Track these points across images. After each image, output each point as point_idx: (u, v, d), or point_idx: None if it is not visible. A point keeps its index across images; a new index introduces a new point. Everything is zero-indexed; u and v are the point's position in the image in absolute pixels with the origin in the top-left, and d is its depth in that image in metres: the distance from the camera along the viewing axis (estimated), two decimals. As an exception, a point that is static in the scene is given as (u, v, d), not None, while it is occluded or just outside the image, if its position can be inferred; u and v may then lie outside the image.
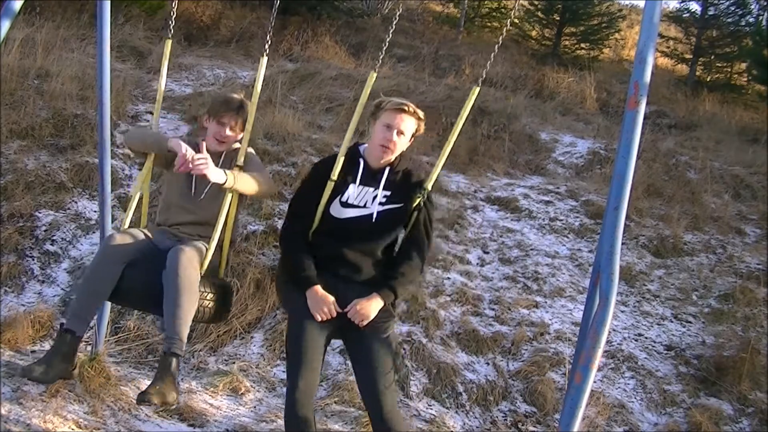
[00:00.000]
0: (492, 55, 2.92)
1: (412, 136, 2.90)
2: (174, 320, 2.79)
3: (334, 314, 2.69)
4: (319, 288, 2.73)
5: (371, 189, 2.84)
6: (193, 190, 3.12)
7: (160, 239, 3.07)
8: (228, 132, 3.12)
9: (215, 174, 2.83)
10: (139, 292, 2.93)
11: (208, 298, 2.94)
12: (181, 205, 3.12)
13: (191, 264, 2.83)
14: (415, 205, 2.85)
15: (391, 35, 3.10)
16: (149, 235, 3.08)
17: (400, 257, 2.85)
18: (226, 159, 3.13)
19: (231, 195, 2.97)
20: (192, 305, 2.83)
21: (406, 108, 2.83)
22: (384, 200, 2.83)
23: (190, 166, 2.82)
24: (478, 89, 2.91)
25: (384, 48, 3.06)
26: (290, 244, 2.88)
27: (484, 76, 2.96)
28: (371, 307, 2.70)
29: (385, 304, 2.74)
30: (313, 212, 2.84)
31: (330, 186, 2.84)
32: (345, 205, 2.82)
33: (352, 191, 2.83)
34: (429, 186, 2.88)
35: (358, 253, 2.80)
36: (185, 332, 2.82)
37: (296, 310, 2.76)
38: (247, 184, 2.94)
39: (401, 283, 2.78)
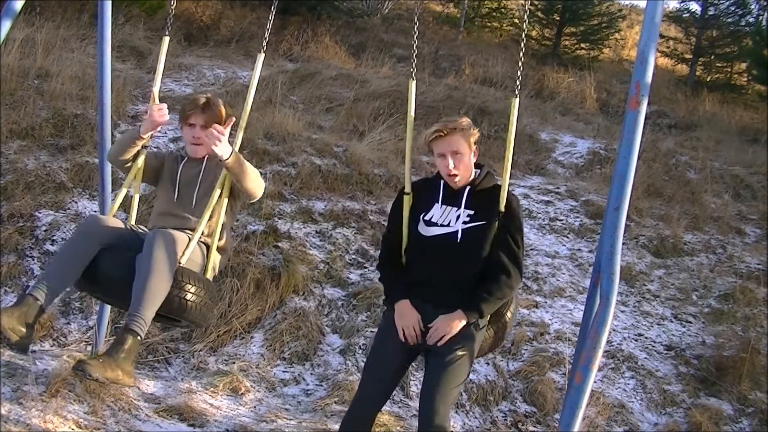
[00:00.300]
0: (520, 63, 2.88)
1: (469, 146, 2.80)
2: (139, 298, 2.66)
3: (418, 331, 2.68)
4: (407, 302, 2.72)
5: (454, 209, 2.79)
6: (182, 198, 3.04)
7: (143, 232, 3.00)
8: (199, 132, 3.01)
9: (223, 148, 2.75)
10: (110, 277, 2.80)
11: (191, 291, 2.80)
12: (171, 213, 3.04)
13: (169, 247, 2.73)
14: (497, 223, 2.76)
15: (415, 37, 3.01)
16: (134, 228, 3.01)
17: (487, 276, 2.75)
18: (209, 164, 3.04)
19: (219, 192, 2.90)
20: (161, 287, 2.69)
21: (443, 132, 2.75)
22: (467, 219, 2.76)
23: (155, 116, 2.85)
24: (516, 100, 2.86)
25: (414, 54, 3.01)
26: (383, 265, 2.91)
27: (519, 87, 2.91)
28: (453, 323, 2.66)
29: (467, 323, 2.69)
30: (400, 230, 2.83)
31: (407, 200, 2.83)
32: (429, 223, 2.78)
33: (436, 211, 2.80)
34: (502, 208, 2.76)
35: (447, 275, 2.74)
36: (149, 313, 2.68)
37: (383, 324, 2.82)
38: (243, 166, 2.85)
39: (486, 302, 2.69)
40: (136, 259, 2.72)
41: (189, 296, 2.79)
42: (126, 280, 2.71)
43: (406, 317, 2.70)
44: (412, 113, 2.94)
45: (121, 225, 2.92)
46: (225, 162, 2.79)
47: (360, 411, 2.74)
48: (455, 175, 2.77)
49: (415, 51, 3.02)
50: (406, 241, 2.83)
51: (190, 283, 2.80)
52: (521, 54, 2.92)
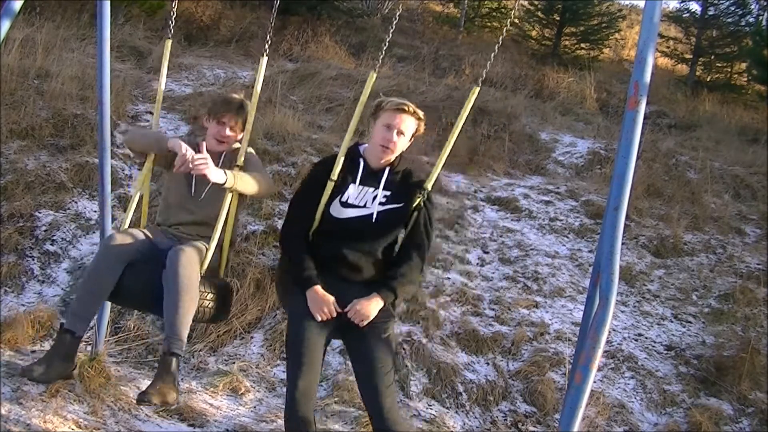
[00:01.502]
0: (492, 55, 2.91)
1: (412, 136, 2.89)
2: (174, 320, 2.79)
3: (334, 314, 2.69)
4: (319, 288, 2.73)
5: (371, 189, 2.83)
6: (192, 190, 3.12)
7: (160, 239, 3.07)
8: (228, 132, 3.12)
9: (215, 174, 2.83)
10: (138, 293, 2.93)
11: (208, 298, 2.94)
12: (181, 205, 3.12)
13: (191, 264, 2.83)
14: (415, 205, 2.85)
15: (391, 35, 3.09)
16: (149, 235, 3.08)
17: (400, 257, 2.84)
18: (225, 159, 3.12)
19: (231, 195, 2.97)
20: (192, 305, 2.82)
21: (406, 108, 2.83)
22: (384, 200, 2.83)
23: (190, 166, 2.82)
24: (477, 89, 2.91)
25: (384, 48, 3.06)
26: (290, 244, 2.88)
27: (484, 76, 2.96)
28: (371, 307, 2.70)
29: (384, 304, 2.74)
30: (313, 212, 2.84)
31: (330, 186, 2.84)
32: (345, 205, 2.82)
33: (353, 191, 2.83)
34: (429, 186, 2.87)
35: (358, 254, 2.80)
36: (185, 332, 2.82)
37: (296, 310, 2.76)
38: (247, 184, 2.94)
39: (401, 284, 2.78)
40: (163, 277, 2.82)
41: (206, 303, 2.94)
42: (151, 293, 2.85)
43: (321, 304, 2.70)
44: (365, 100, 2.98)
45: (139, 238, 3.01)
46: (223, 186, 2.87)
47: (304, 400, 2.61)
48: (390, 150, 2.82)
49: (385, 45, 3.11)
50: (317, 223, 2.84)
51: (206, 290, 2.93)
52: (500, 41, 2.97)
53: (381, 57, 3.06)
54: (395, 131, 2.82)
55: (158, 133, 3.32)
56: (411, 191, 2.85)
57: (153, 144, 3.08)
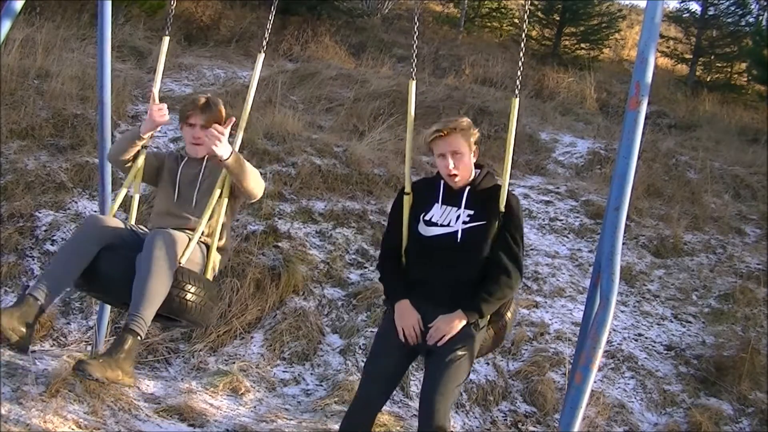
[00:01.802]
0: (520, 63, 2.88)
1: (470, 146, 2.80)
2: (139, 299, 2.66)
3: (418, 330, 2.68)
4: (407, 302, 2.72)
5: (454, 209, 2.78)
6: (182, 197, 3.05)
7: (144, 232, 3.00)
8: (199, 132, 3.01)
9: (223, 148, 2.75)
10: (110, 277, 2.81)
11: (191, 291, 2.81)
12: (171, 213, 3.05)
13: (168, 248, 2.73)
14: (497, 223, 2.76)
15: (415, 38, 3.02)
16: (134, 228, 3.02)
17: (487, 276, 2.75)
18: (209, 164, 3.04)
19: (219, 191, 2.91)
20: (161, 287, 2.69)
21: (442, 133, 2.75)
22: (467, 219, 2.76)
23: (155, 115, 2.84)
24: (516, 100, 2.85)
25: (414, 54, 3.03)
26: (383, 264, 2.91)
27: (519, 87, 2.90)
28: (453, 324, 2.66)
29: (468, 322, 2.69)
30: (399, 231, 2.84)
31: (407, 200, 2.83)
32: (429, 223, 2.78)
33: (436, 210, 2.80)
34: (502, 208, 2.76)
35: (447, 275, 2.74)
36: (149, 313, 2.68)
37: (383, 324, 2.83)
38: (243, 166, 2.86)
39: (486, 302, 2.69)
40: (136, 259, 2.72)
41: (189, 296, 2.80)
42: (126, 279, 2.72)
43: (406, 317, 2.70)
44: (413, 113, 2.94)
45: (121, 225, 2.93)
46: (225, 162, 2.79)
47: (360, 411, 2.74)
48: (455, 175, 2.77)
49: (415, 51, 3.02)
50: (406, 241, 2.83)
51: (190, 283, 2.81)
52: (521, 54, 2.92)
53: (414, 63, 2.96)
54: (449, 157, 2.76)
55: (129, 130, 3.25)
56: (493, 209, 2.77)
57: (129, 138, 3.01)
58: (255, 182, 2.95)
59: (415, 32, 3.05)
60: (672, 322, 5.08)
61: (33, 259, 4.66)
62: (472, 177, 2.83)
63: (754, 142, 9.07)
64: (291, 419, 3.69)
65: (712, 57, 12.99)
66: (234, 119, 2.96)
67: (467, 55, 10.90)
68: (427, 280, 2.74)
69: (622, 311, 5.09)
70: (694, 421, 4.13)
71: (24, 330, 2.65)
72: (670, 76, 12.95)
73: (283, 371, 4.22)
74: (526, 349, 4.57)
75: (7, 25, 3.01)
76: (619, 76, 11.80)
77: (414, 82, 2.94)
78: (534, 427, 4.03)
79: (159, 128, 3.00)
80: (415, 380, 4.16)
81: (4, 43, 3.25)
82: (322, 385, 4.14)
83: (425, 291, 2.73)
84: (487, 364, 4.41)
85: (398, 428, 3.72)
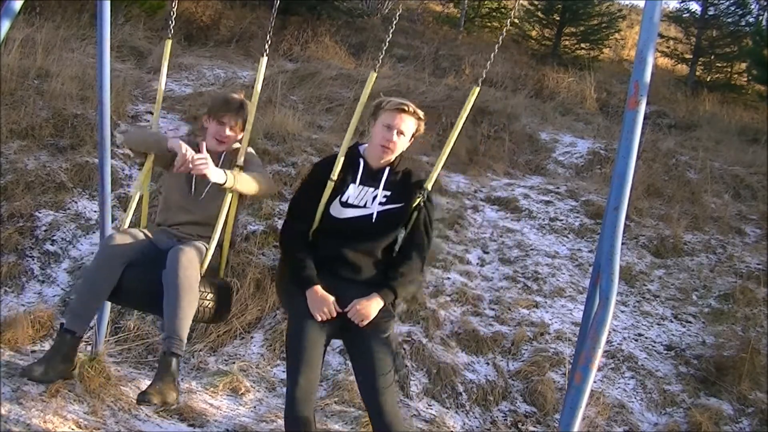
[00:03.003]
0: (492, 55, 2.91)
1: (412, 136, 2.89)
2: (174, 320, 2.79)
3: (334, 314, 2.69)
4: (319, 288, 2.73)
5: (371, 189, 2.83)
6: (192, 190, 3.12)
7: (160, 239, 3.07)
8: (228, 132, 3.12)
9: (215, 174, 2.84)
10: (138, 292, 2.93)
11: (208, 298, 2.93)
12: (181, 205, 3.12)
13: (191, 264, 2.83)
14: (415, 205, 2.84)
15: (391, 35, 3.09)
16: (149, 235, 3.08)
17: (400, 257, 2.84)
18: (226, 159, 3.12)
19: (231, 195, 2.97)
20: (192, 305, 2.83)
21: (406, 108, 2.83)
22: (384, 200, 2.83)
23: (190, 166, 2.82)
24: (477, 89, 2.90)
25: (384, 48, 3.06)
26: (290, 244, 2.88)
27: (484, 76, 2.95)
28: (371, 307, 2.70)
29: (385, 304, 2.74)
30: (313, 212, 2.84)
31: (330, 186, 2.84)
32: (345, 205, 2.82)
33: (352, 191, 2.83)
34: (429, 186, 2.87)
35: (358, 254, 2.80)
36: (185, 332, 2.82)
37: (296, 310, 2.76)
38: (247, 184, 2.95)
39: (401, 283, 2.78)
40: (163, 277, 2.82)
41: (206, 303, 2.94)
42: (151, 293, 2.84)
43: (321, 304, 2.70)
44: (365, 100, 2.98)
45: (139, 237, 3.01)
46: (224, 187, 2.87)
47: (304, 400, 2.62)
48: (389, 150, 2.83)
49: (385, 45, 3.10)
50: (317, 223, 2.85)
51: (207, 291, 2.94)
52: (500, 39, 2.95)
53: (381, 57, 3.05)
54: (395, 131, 2.82)
55: (158, 133, 3.32)
56: (411, 191, 2.85)
57: (153, 144, 3.08)
58: (262, 188, 3.07)
59: (395, 21, 3.13)
60: (672, 322, 5.08)
61: (33, 259, 4.66)
62: (392, 159, 2.90)
63: (754, 142, 9.07)
64: (291, 419, 3.69)
65: (712, 57, 12.98)
66: (204, 143, 3.03)
67: (467, 55, 10.89)
68: (338, 256, 2.78)
69: (622, 311, 5.09)
70: (694, 421, 4.13)
71: (70, 365, 3.06)
72: (670, 76, 12.95)
73: (283, 371, 4.21)
74: (526, 349, 4.57)
75: (7, 25, 3.01)
76: (619, 76, 11.79)
77: (375, 75, 3.00)
78: (534, 427, 4.03)
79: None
80: (414, 380, 4.16)
81: (4, 43, 3.25)
82: (322, 385, 4.14)
83: (337, 266, 2.78)
84: (487, 364, 4.41)
85: (398, 428, 3.72)
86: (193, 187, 3.12)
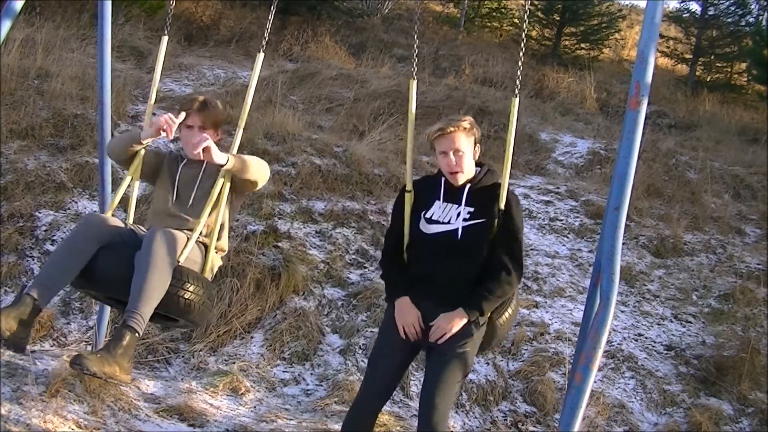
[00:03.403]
0: (519, 64, 2.88)
1: (472, 144, 2.83)
2: (137, 296, 2.66)
3: (418, 328, 2.70)
4: (407, 299, 2.74)
5: (455, 206, 2.80)
6: (179, 198, 3.05)
7: (142, 232, 2.99)
8: (197, 133, 2.98)
9: (218, 155, 2.79)
10: (108, 275, 2.79)
11: (190, 290, 2.80)
12: (169, 213, 3.04)
13: (166, 246, 2.73)
14: (497, 221, 2.78)
15: (416, 37, 3.04)
16: (132, 228, 3.01)
17: (487, 274, 2.76)
18: (209, 166, 3.02)
19: (218, 195, 2.92)
20: (160, 285, 2.69)
21: (446, 131, 2.77)
22: (468, 216, 2.78)
23: (169, 123, 2.81)
24: (516, 100, 2.86)
25: (415, 53, 3.03)
26: (384, 261, 2.94)
27: (518, 87, 2.91)
28: (454, 322, 2.67)
29: (469, 321, 2.69)
30: (401, 228, 2.86)
31: (408, 198, 2.85)
32: (430, 221, 2.80)
33: (436, 208, 2.82)
34: (502, 206, 2.77)
35: (448, 272, 2.76)
36: (147, 310, 2.68)
37: (384, 324, 2.84)
38: (246, 162, 2.88)
39: (487, 300, 2.71)
40: (135, 257, 2.72)
41: (188, 295, 2.80)
42: (124, 278, 2.71)
43: (407, 315, 2.71)
44: (413, 111, 2.95)
45: (119, 224, 2.92)
46: (226, 167, 2.83)
47: (363, 408, 2.77)
48: (457, 173, 2.79)
49: (416, 51, 3.03)
50: (407, 239, 2.85)
51: (188, 282, 2.81)
52: (521, 54, 2.92)
53: (414, 63, 2.97)
54: (450, 155, 2.78)
55: (131, 130, 3.25)
56: (493, 207, 2.79)
57: (128, 140, 3.01)
58: (259, 171, 2.98)
59: (416, 32, 3.08)
60: (672, 322, 5.08)
61: (33, 259, 4.66)
62: (472, 175, 2.85)
63: (754, 142, 9.07)
64: (291, 419, 3.69)
65: (712, 57, 12.99)
66: (184, 114, 2.95)
67: (467, 55, 10.90)
68: (427, 277, 2.75)
69: (622, 311, 5.09)
70: (694, 421, 4.13)
71: (18, 327, 2.64)
72: (670, 76, 12.95)
73: (283, 371, 4.22)
74: (526, 349, 4.57)
75: (7, 25, 3.01)
76: (619, 76, 11.80)
77: (415, 82, 2.95)
78: (534, 427, 4.03)
79: (160, 136, 2.97)
80: (415, 380, 4.16)
81: (4, 43, 3.25)
82: (322, 385, 4.14)
83: (426, 288, 2.74)
84: (487, 364, 4.41)
85: (398, 428, 3.72)
86: (178, 194, 3.04)
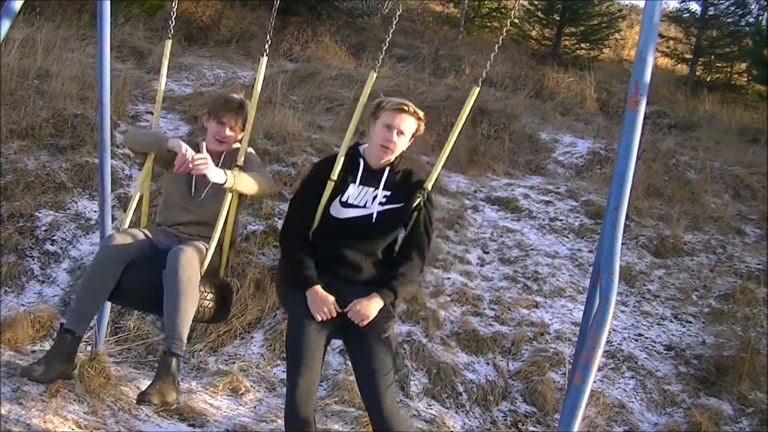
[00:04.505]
0: (492, 55, 2.91)
1: (412, 136, 2.90)
2: (174, 321, 2.79)
3: (334, 314, 2.69)
4: (319, 288, 2.73)
5: (371, 189, 2.83)
6: (193, 190, 3.12)
7: (160, 239, 3.07)
8: (228, 132, 3.12)
9: (215, 174, 2.83)
10: (138, 292, 2.93)
11: (208, 298, 2.94)
12: (181, 205, 3.12)
13: (191, 264, 2.83)
14: (415, 205, 2.85)
15: (391, 35, 3.09)
16: (149, 235, 3.09)
17: (401, 257, 2.84)
18: (226, 159, 3.13)
19: (231, 195, 2.97)
20: (192, 306, 2.83)
21: (406, 108, 2.83)
22: (384, 200, 2.82)
23: (190, 166, 2.82)
24: (477, 89, 2.90)
25: (384, 48, 3.06)
26: (290, 244, 2.88)
27: (484, 76, 2.95)
28: (371, 306, 2.70)
29: (385, 304, 2.74)
30: (313, 212, 2.84)
31: (330, 186, 2.84)
32: (345, 205, 2.82)
33: (352, 191, 2.83)
34: (429, 186, 2.87)
35: (358, 254, 2.80)
36: (185, 332, 2.82)
37: (296, 310, 2.76)
38: (247, 183, 2.95)
39: (401, 283, 2.78)
40: (163, 277, 2.82)
41: (206, 303, 2.94)
42: (151, 293, 2.85)
43: (320, 302, 2.70)
44: (365, 100, 2.98)
45: (138, 237, 3.01)
46: (224, 186, 2.88)
47: (304, 400, 2.63)
48: (389, 150, 2.83)
49: (385, 45, 3.11)
50: (316, 224, 2.85)
51: (206, 291, 2.93)
52: (500, 39, 2.95)
53: (381, 57, 3.05)
54: (395, 131, 2.82)
55: (158, 132, 3.32)
56: (411, 191, 2.86)
57: (153, 144, 3.08)
58: (262, 188, 3.07)
59: (396, 20, 3.09)
60: (672, 322, 5.08)
61: (33, 259, 4.66)
62: (392, 159, 2.90)
63: (754, 142, 9.07)
64: (291, 419, 3.69)
65: (712, 57, 12.99)
66: (204, 143, 3.06)
67: (467, 55, 10.89)
68: (338, 256, 2.78)
69: (622, 311, 5.09)
70: (694, 421, 4.13)
71: (71, 364, 3.04)
72: (670, 76, 12.95)
73: (283, 371, 4.21)
74: (526, 349, 4.57)
75: (7, 25, 3.01)
76: (619, 76, 11.79)
77: (375, 74, 3.00)
78: (534, 427, 4.03)
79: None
80: (414, 380, 4.16)
81: (4, 43, 3.25)
82: (322, 385, 4.14)
83: (337, 267, 2.78)
84: (487, 364, 4.41)
85: (398, 428, 3.72)
86: (193, 187, 3.12)
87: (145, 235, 3.07)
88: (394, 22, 3.11)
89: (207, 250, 2.96)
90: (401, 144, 2.86)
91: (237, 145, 3.14)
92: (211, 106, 3.23)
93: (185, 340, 2.84)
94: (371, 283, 2.78)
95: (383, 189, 2.83)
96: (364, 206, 2.81)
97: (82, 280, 3.15)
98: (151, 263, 2.92)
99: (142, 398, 2.71)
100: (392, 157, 2.89)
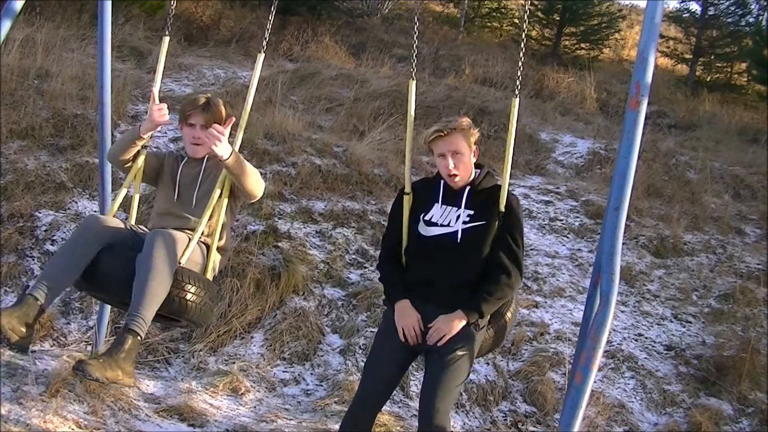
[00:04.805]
0: (520, 63, 2.89)
1: (469, 146, 2.81)
2: (139, 298, 2.66)
3: (419, 331, 2.69)
4: (407, 302, 2.73)
5: (454, 209, 2.79)
6: (181, 197, 3.05)
7: (143, 232, 3.00)
8: (199, 132, 3.01)
9: (223, 148, 2.75)
10: (110, 276, 2.80)
11: (191, 291, 2.80)
12: (171, 213, 3.04)
13: (169, 247, 2.73)
14: (497, 223, 2.76)
15: (416, 39, 3.02)
16: (134, 228, 3.01)
17: (487, 276, 2.75)
18: (209, 164, 3.04)
19: (219, 196, 2.92)
20: (161, 287, 2.69)
21: (443, 133, 2.75)
22: (467, 219, 2.77)
23: (155, 115, 2.83)
24: (517, 101, 2.85)
25: (414, 54, 3.03)
26: (382, 265, 2.92)
27: (519, 88, 2.90)
28: (453, 323, 2.66)
29: (468, 323, 2.69)
30: (399, 231, 2.85)
31: (407, 200, 2.84)
32: (429, 223, 2.79)
33: (436, 210, 2.80)
34: (501, 208, 2.76)
35: (447, 275, 2.74)
36: (149, 313, 2.67)
37: (383, 324, 2.83)
38: (243, 166, 2.86)
39: (486, 302, 2.70)
40: (137, 259, 2.72)
41: (189, 296, 2.79)
42: (126, 279, 2.71)
43: (406, 317, 2.70)
44: (413, 113, 2.94)
45: (121, 225, 2.92)
46: (225, 162, 2.79)
47: (360, 411, 2.74)
48: (455, 175, 2.77)
49: (415, 51, 3.02)
50: (406, 241, 2.84)
51: (190, 283, 2.80)
52: (521, 54, 2.91)
53: (413, 63, 2.96)
54: (449, 157, 2.76)
55: (129, 130, 3.23)
56: (491, 210, 2.78)
57: (128, 139, 3.00)
58: (255, 182, 2.94)
59: (415, 32, 3.05)
60: (672, 322, 5.08)
61: (33, 259, 4.66)
62: (472, 177, 2.83)
63: (754, 142, 9.08)
64: (291, 419, 3.69)
65: (712, 57, 12.99)
66: (234, 119, 2.95)
67: (467, 55, 10.90)
68: (427, 280, 2.74)
69: (622, 311, 5.09)
70: (694, 421, 4.14)
71: (24, 330, 2.64)
72: (670, 76, 12.95)
73: (283, 371, 4.22)
74: (526, 349, 4.57)
75: (7, 25, 3.01)
76: (619, 76, 11.80)
77: (414, 82, 2.94)
78: (534, 427, 4.03)
79: (159, 128, 2.99)
80: (415, 380, 4.16)
81: (4, 43, 3.25)
82: (322, 385, 4.14)
83: (425, 291, 2.73)
84: (487, 364, 4.41)
85: (398, 428, 3.73)
86: (180, 194, 3.04)
87: (130, 227, 3.00)
88: (416, 25, 3.04)
89: (189, 240, 2.86)
90: (464, 163, 2.78)
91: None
92: (179, 112, 3.12)
93: (148, 321, 2.67)
94: (458, 306, 2.72)
95: (465, 208, 2.77)
96: (448, 225, 2.77)
97: (56, 253, 2.97)
98: (129, 249, 2.79)
99: (79, 366, 2.54)
100: (467, 178, 2.82)
